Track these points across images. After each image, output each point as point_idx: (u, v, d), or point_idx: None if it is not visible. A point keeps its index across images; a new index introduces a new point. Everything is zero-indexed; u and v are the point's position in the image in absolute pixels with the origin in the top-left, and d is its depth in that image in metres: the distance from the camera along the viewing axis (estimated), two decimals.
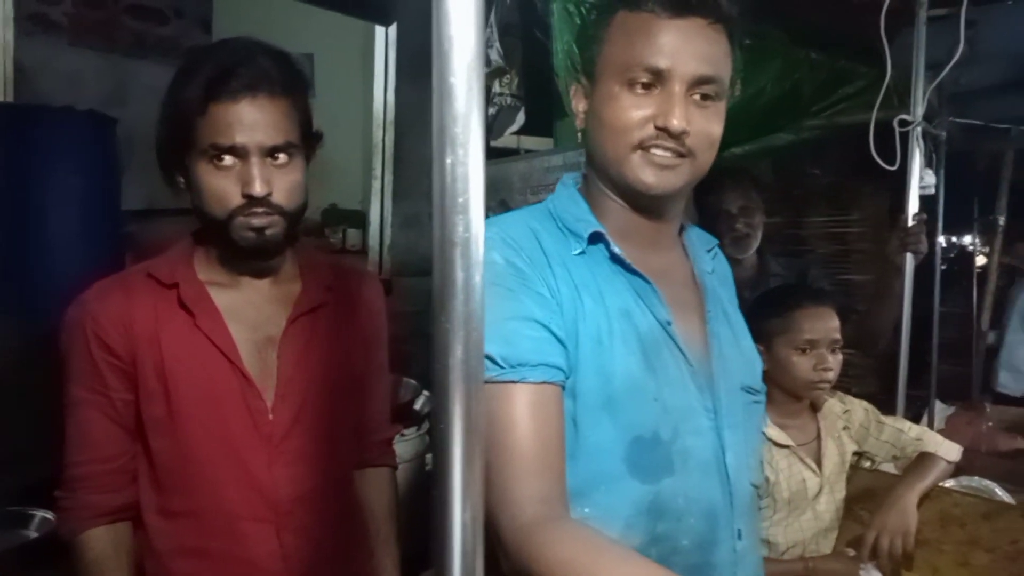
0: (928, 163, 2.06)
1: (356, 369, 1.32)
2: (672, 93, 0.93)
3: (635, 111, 0.94)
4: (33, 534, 1.75)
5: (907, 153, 2.01)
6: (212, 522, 1.17)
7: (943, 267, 3.68)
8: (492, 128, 3.58)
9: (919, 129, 1.98)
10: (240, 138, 1.10)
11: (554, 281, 0.94)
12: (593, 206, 1.03)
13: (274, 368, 1.20)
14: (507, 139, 3.85)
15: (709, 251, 1.15)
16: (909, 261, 2.03)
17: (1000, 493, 1.80)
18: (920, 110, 1.97)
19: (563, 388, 0.92)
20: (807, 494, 1.65)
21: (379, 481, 1.41)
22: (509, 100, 3.71)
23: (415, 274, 4.00)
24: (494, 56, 3.55)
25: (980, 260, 4.29)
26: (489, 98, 3.59)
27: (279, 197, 1.14)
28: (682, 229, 1.12)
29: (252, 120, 1.10)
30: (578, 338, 0.92)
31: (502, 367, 0.88)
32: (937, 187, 2.26)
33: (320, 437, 1.23)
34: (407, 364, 2.42)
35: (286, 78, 1.16)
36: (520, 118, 3.69)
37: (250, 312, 1.22)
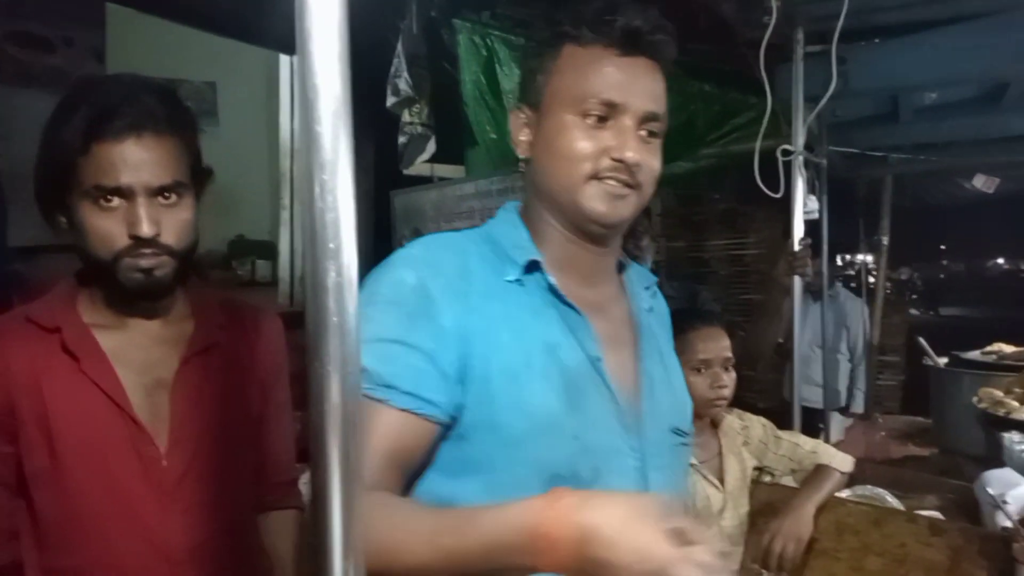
0: (811, 189, 2.18)
1: (254, 409, 1.27)
2: (625, 127, 0.96)
3: (590, 142, 0.96)
4: None
5: (791, 181, 2.12)
6: None
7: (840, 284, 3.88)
8: (403, 156, 3.57)
9: (800, 158, 2.10)
10: (125, 179, 1.06)
11: (465, 314, 0.92)
12: (533, 234, 1.03)
13: (166, 412, 1.15)
14: (420, 167, 3.85)
15: (647, 288, 1.15)
16: (797, 283, 2.14)
17: (890, 500, 1.89)
18: (801, 140, 2.09)
19: (436, 425, 0.90)
20: (712, 510, 1.70)
21: (284, 524, 1.36)
22: (419, 129, 3.71)
23: None
24: (403, 86, 3.55)
25: (870, 279, 4.57)
26: (399, 127, 3.60)
27: (168, 237, 1.10)
28: (622, 267, 1.13)
29: (138, 160, 1.07)
30: (489, 372, 0.91)
31: (372, 385, 0.87)
32: (820, 211, 2.39)
33: (217, 482, 1.17)
34: None
35: (172, 116, 1.12)
36: (431, 146, 3.70)
37: (139, 354, 1.16)
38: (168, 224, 1.10)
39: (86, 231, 1.08)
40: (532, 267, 0.99)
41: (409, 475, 0.91)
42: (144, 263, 1.09)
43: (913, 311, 5.14)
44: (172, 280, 1.14)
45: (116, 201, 1.07)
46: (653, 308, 1.14)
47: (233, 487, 1.22)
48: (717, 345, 1.70)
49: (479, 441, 0.91)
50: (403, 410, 0.88)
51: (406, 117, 3.61)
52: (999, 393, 2.29)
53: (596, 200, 0.97)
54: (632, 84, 0.96)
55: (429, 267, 0.94)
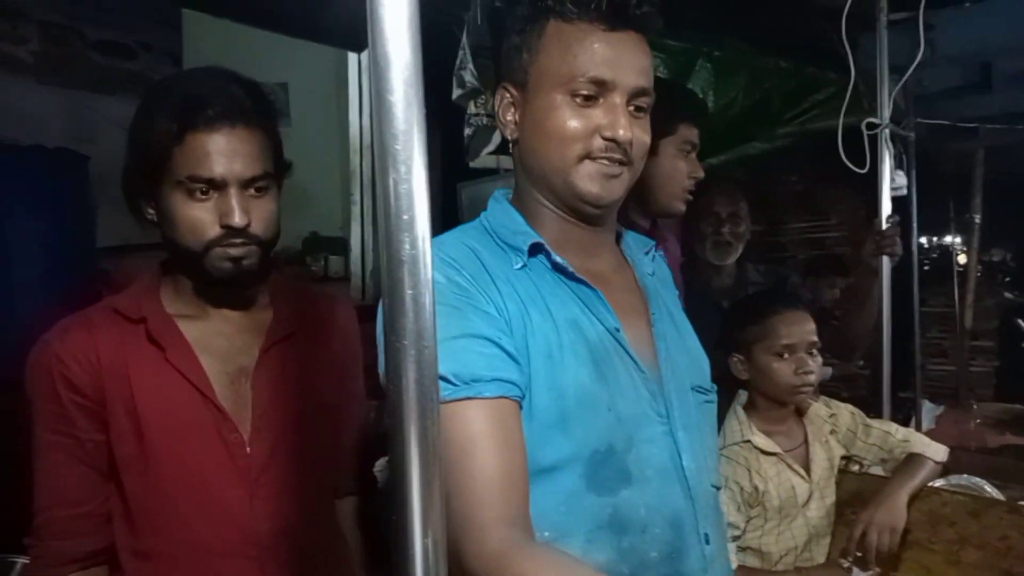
0: (898, 164, 2.07)
1: (331, 396, 1.29)
2: (615, 104, 0.95)
3: (580, 121, 0.95)
4: None
5: (876, 156, 2.02)
6: (191, 562, 1.13)
7: (925, 267, 3.71)
8: (469, 148, 3.58)
9: (887, 131, 1.99)
10: (219, 169, 1.08)
11: (499, 298, 0.93)
12: (528, 218, 1.03)
13: (249, 399, 1.17)
14: (486, 159, 3.86)
15: (647, 253, 1.15)
16: (885, 264, 2.04)
17: (989, 489, 1.79)
18: (886, 112, 1.99)
19: (520, 404, 0.90)
20: (797, 501, 1.64)
21: (355, 509, 1.38)
22: (485, 120, 3.71)
23: None
24: (468, 78, 3.55)
25: (961, 259, 4.33)
26: (465, 119, 3.60)
27: (256, 227, 1.12)
28: (618, 236, 1.12)
29: (230, 151, 1.09)
30: (529, 355, 0.91)
31: (455, 385, 0.86)
32: (909, 188, 2.27)
33: (299, 468, 1.20)
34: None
35: (259, 107, 1.14)
36: (496, 138, 3.68)
37: (221, 343, 1.19)
38: (256, 214, 1.12)
39: (177, 221, 1.11)
40: (535, 249, 0.99)
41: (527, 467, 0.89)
42: (234, 252, 1.11)
43: (1008, 294, 4.85)
44: (258, 270, 1.15)
45: (209, 191, 1.10)
46: (655, 272, 1.13)
47: (314, 473, 1.24)
48: (801, 329, 1.63)
49: (524, 422, 0.91)
50: (496, 398, 0.87)
51: (472, 109, 3.60)
52: None
53: (589, 180, 0.97)
54: (621, 60, 0.94)
55: (449, 264, 0.94)
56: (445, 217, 4.13)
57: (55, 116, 3.35)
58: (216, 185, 1.09)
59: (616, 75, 0.94)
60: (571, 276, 0.98)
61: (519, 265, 0.98)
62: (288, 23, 3.80)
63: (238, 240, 1.11)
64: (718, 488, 1.07)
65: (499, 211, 1.05)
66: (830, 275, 3.63)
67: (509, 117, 1.02)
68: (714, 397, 1.11)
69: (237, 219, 1.09)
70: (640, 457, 0.94)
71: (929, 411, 3.60)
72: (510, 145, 1.04)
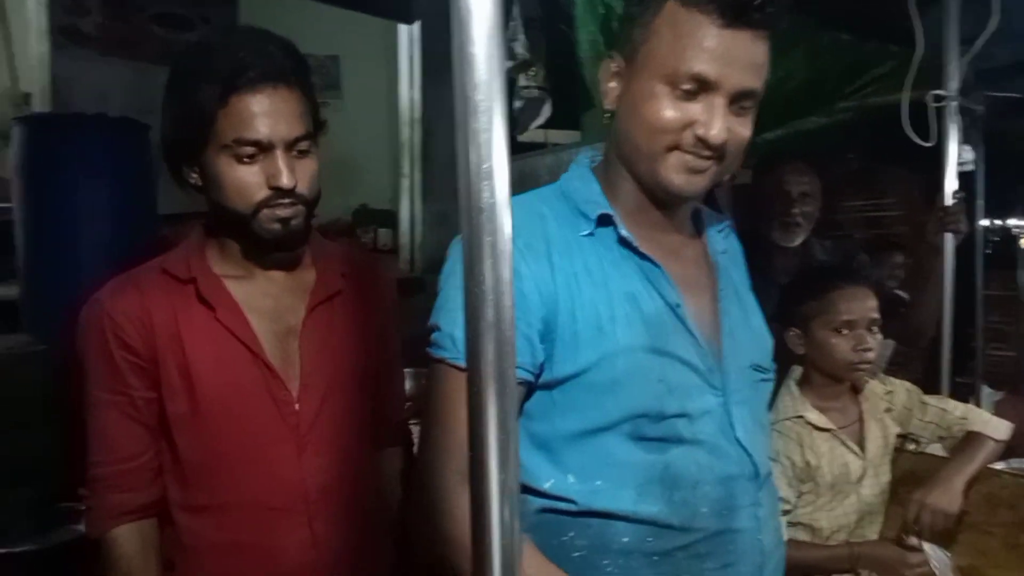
0: (965, 139, 2.00)
1: (373, 354, 1.30)
2: (715, 104, 0.93)
3: (675, 114, 0.94)
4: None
5: (943, 129, 1.95)
6: (242, 515, 1.16)
7: (987, 250, 3.60)
8: (518, 122, 3.57)
9: (954, 104, 1.92)
10: (265, 131, 1.09)
11: (548, 271, 0.94)
12: (607, 185, 1.03)
13: (296, 358, 1.20)
14: (533, 133, 3.84)
15: (720, 231, 1.14)
16: (949, 242, 1.98)
17: None
18: (955, 84, 1.92)
19: (521, 385, 0.92)
20: (850, 478, 1.62)
21: (395, 459, 1.40)
22: (536, 92, 3.69)
23: None
24: (519, 49, 3.53)
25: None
26: (514, 91, 3.58)
27: (302, 187, 1.13)
28: (696, 210, 1.12)
29: (275, 112, 1.09)
30: (576, 327, 0.93)
31: (458, 351, 0.89)
32: (976, 163, 2.19)
33: (345, 424, 1.23)
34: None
35: (297, 67, 1.15)
36: (546, 110, 3.67)
37: (268, 303, 1.21)
38: (301, 175, 1.13)
39: (224, 184, 1.11)
40: (604, 220, 0.99)
41: None
42: (282, 213, 1.12)
43: None
44: (304, 228, 1.17)
45: (255, 154, 1.10)
46: (727, 249, 1.13)
47: (358, 429, 1.26)
48: (862, 305, 1.60)
49: (568, 390, 0.94)
50: None
51: (522, 81, 3.59)
52: None
53: (674, 172, 0.96)
54: (729, 59, 0.91)
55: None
56: None
57: (117, 86, 3.44)
58: (263, 147, 1.10)
59: (721, 75, 0.91)
60: (635, 251, 0.99)
61: (586, 232, 0.99)
62: None
63: (286, 201, 1.12)
64: (771, 460, 1.08)
65: (576, 176, 1.05)
66: (889, 252, 3.54)
67: (612, 85, 1.01)
68: (771, 376, 1.11)
69: (285, 180, 1.10)
70: (692, 423, 0.96)
71: (988, 397, 3.51)
72: (604, 115, 1.03)
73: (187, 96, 1.10)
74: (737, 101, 0.94)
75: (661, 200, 1.02)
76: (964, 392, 3.13)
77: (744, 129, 0.96)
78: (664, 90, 0.93)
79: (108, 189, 2.48)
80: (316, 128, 1.19)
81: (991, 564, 1.58)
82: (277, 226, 1.13)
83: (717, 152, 0.94)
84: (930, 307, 2.04)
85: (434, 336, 0.96)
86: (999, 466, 1.71)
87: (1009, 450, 1.72)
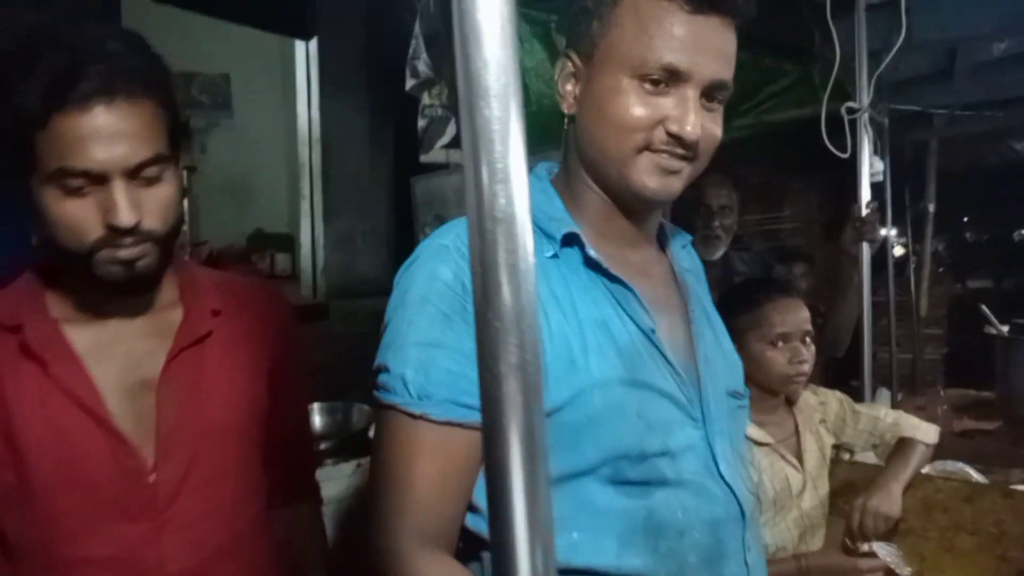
0: (874, 150, 2.06)
1: (265, 397, 1.11)
2: (687, 97, 0.85)
3: (645, 110, 0.85)
4: None
5: (856, 141, 2.00)
6: None
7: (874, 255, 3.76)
8: (423, 141, 3.48)
9: (866, 116, 1.97)
10: (98, 158, 0.88)
11: None
12: (569, 199, 0.94)
13: (154, 417, 0.99)
14: (436, 154, 3.77)
15: (684, 248, 1.08)
16: (865, 251, 2.02)
17: (973, 474, 1.79)
18: (866, 97, 1.97)
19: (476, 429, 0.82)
20: (791, 492, 1.60)
21: (303, 517, 1.22)
22: (439, 111, 3.60)
23: (352, 296, 3.86)
24: (422, 67, 3.45)
25: (898, 250, 4.43)
26: (419, 110, 3.49)
27: (150, 221, 0.93)
28: (659, 226, 1.05)
29: (111, 133, 0.88)
30: (545, 362, 0.82)
31: (409, 395, 0.82)
32: (884, 174, 2.27)
33: (225, 489, 1.04)
34: (346, 390, 2.27)
35: (147, 70, 0.93)
36: (451, 129, 3.59)
37: (120, 352, 1.00)
38: (150, 206, 0.93)
39: (52, 221, 0.91)
40: (569, 239, 0.90)
41: (469, 495, 0.85)
42: (125, 255, 0.93)
43: (975, 283, 5.01)
44: (157, 268, 0.98)
45: (87, 185, 0.89)
46: (692, 267, 1.07)
47: (247, 489, 1.08)
48: (796, 317, 1.59)
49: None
50: (445, 423, 0.81)
51: (426, 99, 3.50)
52: None
53: (646, 174, 0.87)
54: (700, 48, 0.84)
55: (464, 258, 0.85)
56: (398, 212, 4.03)
57: None
58: (94, 178, 0.89)
59: (693, 64, 0.84)
60: (605, 273, 0.90)
61: (549, 254, 0.89)
62: (231, 9, 3.63)
63: (127, 240, 0.92)
64: (753, 494, 1.01)
65: (537, 190, 0.95)
66: (791, 263, 3.65)
67: (569, 88, 0.92)
68: (747, 403, 1.04)
69: (123, 218, 0.90)
70: (675, 462, 0.87)
71: (882, 398, 3.67)
72: (565, 121, 0.94)
73: (2, 115, 0.89)
74: (709, 94, 0.87)
75: (631, 209, 0.93)
76: (857, 396, 3.26)
77: (716, 127, 0.89)
78: (631, 84, 0.85)
79: None
80: (177, 145, 0.99)
81: (929, 568, 1.60)
82: (119, 269, 0.93)
83: (691, 150, 0.87)
84: (849, 316, 2.08)
85: (381, 378, 0.86)
86: (926, 469, 1.74)
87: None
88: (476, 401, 0.77)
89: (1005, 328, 2.65)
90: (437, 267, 0.85)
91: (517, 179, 0.35)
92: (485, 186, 0.35)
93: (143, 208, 0.93)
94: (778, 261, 3.67)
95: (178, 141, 0.99)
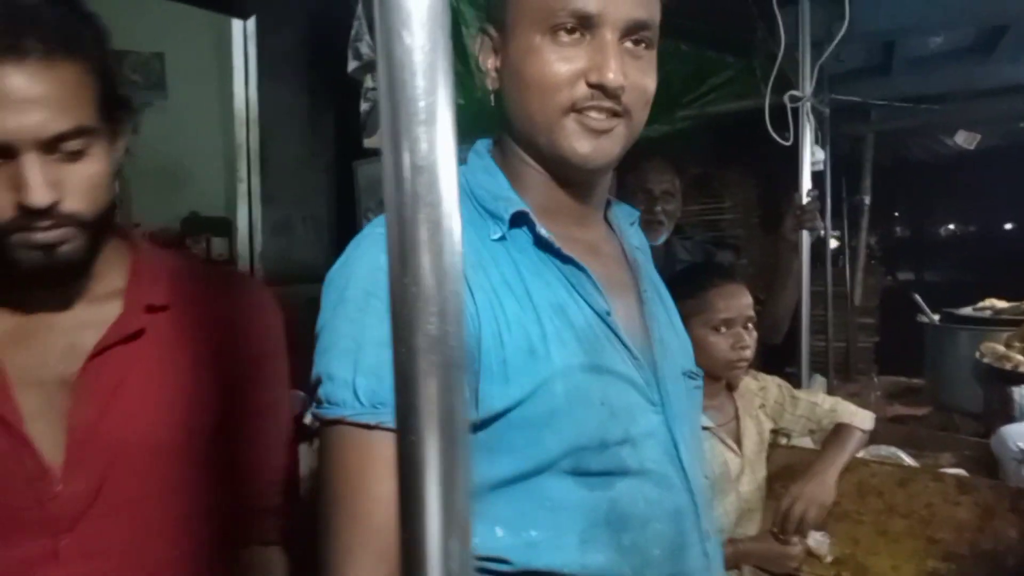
0: (815, 139, 2.08)
1: (208, 414, 0.96)
2: (604, 42, 0.79)
3: (563, 65, 0.79)
4: None
5: (798, 130, 2.01)
6: None
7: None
8: (366, 125, 3.40)
9: (808, 105, 1.99)
10: (5, 125, 0.78)
11: (466, 292, 0.77)
12: (511, 178, 0.88)
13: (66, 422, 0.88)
14: (379, 139, 3.70)
15: (632, 224, 1.03)
16: (805, 239, 2.04)
17: (905, 458, 1.82)
18: (809, 86, 1.99)
19: None
20: (730, 476, 1.60)
21: (265, 565, 1.02)
22: None
23: (291, 281, 3.76)
24: (364, 49, 3.37)
25: (832, 242, 4.55)
26: (362, 94, 3.41)
27: (72, 202, 0.83)
28: (607, 203, 1.00)
29: (20, 98, 0.78)
30: (504, 353, 0.77)
31: (361, 404, 0.73)
32: (825, 163, 2.30)
33: (141, 518, 0.90)
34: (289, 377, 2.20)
35: (72, 28, 0.83)
36: None
37: (42, 344, 0.89)
38: (72, 185, 0.83)
39: None
40: (518, 219, 0.84)
41: None
42: (41, 238, 0.82)
43: (899, 275, 5.19)
44: (84, 254, 0.88)
45: None
46: (640, 244, 1.02)
47: (168, 526, 0.93)
48: (739, 303, 1.59)
49: (497, 430, 0.78)
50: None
51: (369, 83, 3.43)
52: (1001, 348, 2.24)
53: (576, 138, 0.82)
54: None
55: None
56: (340, 197, 3.94)
57: None
58: (2, 150, 0.79)
59: (604, 6, 0.78)
60: (557, 253, 0.85)
61: (497, 236, 0.83)
62: None
63: (44, 223, 0.82)
64: (708, 478, 0.98)
65: (480, 168, 0.89)
66: (724, 251, 3.71)
67: (489, 64, 0.86)
68: (701, 382, 1.01)
69: (35, 197, 0.80)
70: (636, 450, 0.83)
71: (818, 384, 3.76)
72: (491, 97, 0.88)
73: None
74: (629, 36, 0.81)
75: (571, 181, 0.88)
76: (794, 382, 3.34)
77: (644, 76, 0.82)
78: (543, 41, 0.80)
79: None
80: (110, 117, 0.88)
81: (864, 551, 1.62)
82: (36, 254, 0.83)
83: (618, 103, 0.80)
84: (787, 302, 2.09)
85: (323, 391, 0.76)
86: (861, 454, 1.77)
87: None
88: None
89: (936, 317, 2.72)
90: (379, 257, 0.77)
91: (443, 121, 0.31)
92: (404, 127, 0.31)
93: (63, 187, 0.82)
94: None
95: (113, 113, 0.88)
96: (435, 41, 0.30)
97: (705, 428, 1.59)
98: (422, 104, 0.30)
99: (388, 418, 0.72)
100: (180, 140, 4.46)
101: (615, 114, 0.81)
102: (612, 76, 0.78)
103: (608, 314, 0.85)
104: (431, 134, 0.31)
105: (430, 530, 0.31)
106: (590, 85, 0.80)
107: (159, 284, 0.96)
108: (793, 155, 2.09)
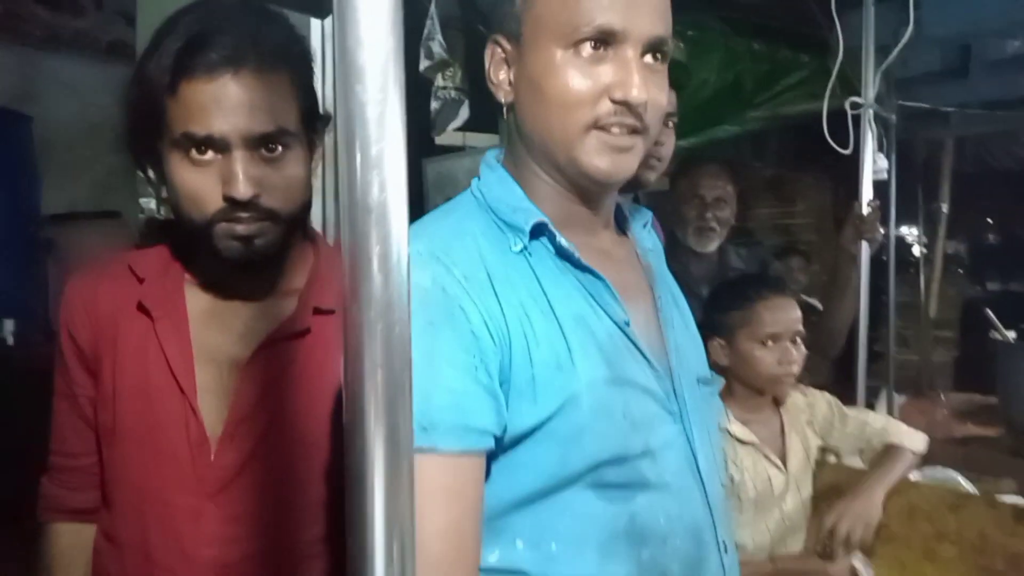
0: (879, 147, 2.01)
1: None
2: (627, 59, 0.79)
3: (586, 81, 0.79)
4: None
5: (859, 138, 1.96)
6: (135, 561, 0.99)
7: (884, 257, 3.73)
8: (435, 123, 3.47)
9: (870, 112, 1.93)
10: (219, 125, 0.89)
11: (495, 304, 0.78)
12: (524, 188, 0.89)
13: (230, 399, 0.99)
14: (452, 137, 3.74)
15: (645, 226, 1.02)
16: (864, 250, 1.98)
17: (962, 482, 1.76)
18: (871, 92, 1.92)
19: (485, 455, 0.77)
20: (773, 492, 1.58)
21: None
22: (453, 94, 3.59)
23: None
24: (436, 49, 3.44)
25: (916, 250, 4.37)
26: (432, 92, 3.47)
27: (271, 199, 0.92)
28: (617, 206, 0.99)
29: (235, 102, 0.89)
30: (533, 369, 0.77)
31: (426, 433, 0.73)
32: (889, 172, 2.22)
33: (275, 496, 0.99)
34: None
35: (281, 46, 0.94)
36: (464, 112, 3.57)
37: (229, 325, 1.00)
38: (272, 182, 0.92)
39: (175, 188, 0.93)
40: (537, 230, 0.84)
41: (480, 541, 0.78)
42: (241, 229, 0.92)
43: (976, 286, 4.93)
44: (278, 249, 0.97)
45: (209, 153, 0.91)
46: (654, 247, 1.01)
47: (296, 509, 1.01)
48: (787, 317, 1.56)
49: (522, 448, 0.78)
50: (458, 453, 0.73)
51: (439, 81, 3.48)
52: None
53: (597, 155, 0.81)
54: (632, 3, 0.79)
55: (441, 262, 0.78)
56: (410, 195, 4.02)
57: None
58: (216, 145, 0.90)
59: (628, 22, 0.78)
60: (577, 263, 0.84)
61: (518, 248, 0.83)
62: None
63: (245, 215, 0.91)
64: (724, 486, 0.97)
65: (495, 181, 0.89)
66: (791, 256, 3.61)
67: (502, 76, 0.86)
68: (716, 388, 1.01)
69: (241, 190, 0.89)
70: (656, 462, 0.83)
71: (894, 400, 3.62)
72: (504, 110, 0.89)
73: (139, 76, 0.92)
74: (649, 52, 0.81)
75: (587, 194, 0.88)
76: (869, 396, 3.22)
77: (660, 92, 0.82)
78: (566, 56, 0.79)
79: None
80: (310, 125, 0.99)
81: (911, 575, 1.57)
82: (236, 244, 0.93)
83: (640, 120, 0.81)
84: (845, 315, 2.04)
85: None
86: (914, 476, 1.71)
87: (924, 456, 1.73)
88: (487, 422, 0.74)
89: (1011, 334, 2.60)
90: (415, 274, 0.80)
91: (392, 165, 0.34)
92: (357, 172, 0.33)
93: (264, 184, 0.92)
94: (775, 256, 3.64)
95: (312, 123, 0.99)
96: (386, 93, 0.32)
97: (748, 443, 1.58)
98: (373, 151, 0.33)
99: (441, 440, 0.72)
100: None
101: (635, 131, 0.82)
102: (636, 93, 0.78)
103: (627, 324, 0.85)
104: (381, 176, 0.33)
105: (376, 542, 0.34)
106: (614, 101, 0.80)
107: (330, 289, 1.03)
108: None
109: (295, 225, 0.99)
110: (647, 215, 1.03)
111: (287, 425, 0.99)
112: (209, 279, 1.02)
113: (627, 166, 0.83)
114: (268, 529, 0.99)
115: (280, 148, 0.93)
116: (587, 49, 0.79)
